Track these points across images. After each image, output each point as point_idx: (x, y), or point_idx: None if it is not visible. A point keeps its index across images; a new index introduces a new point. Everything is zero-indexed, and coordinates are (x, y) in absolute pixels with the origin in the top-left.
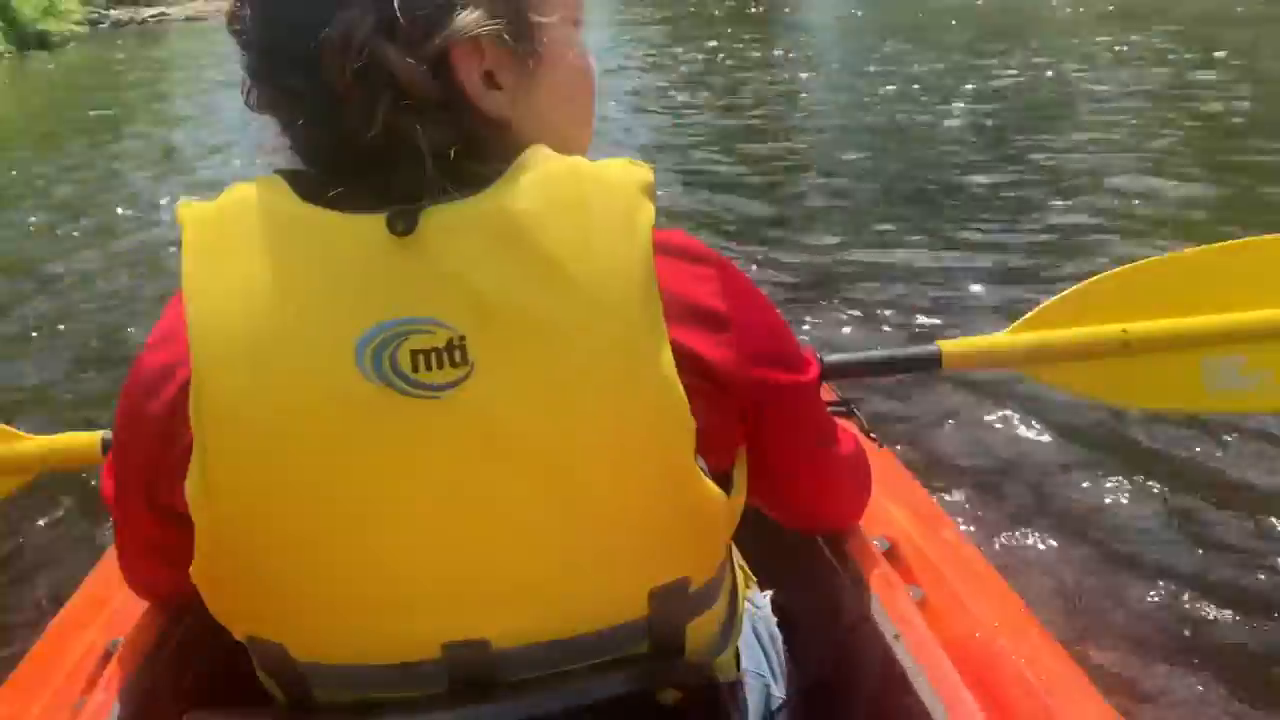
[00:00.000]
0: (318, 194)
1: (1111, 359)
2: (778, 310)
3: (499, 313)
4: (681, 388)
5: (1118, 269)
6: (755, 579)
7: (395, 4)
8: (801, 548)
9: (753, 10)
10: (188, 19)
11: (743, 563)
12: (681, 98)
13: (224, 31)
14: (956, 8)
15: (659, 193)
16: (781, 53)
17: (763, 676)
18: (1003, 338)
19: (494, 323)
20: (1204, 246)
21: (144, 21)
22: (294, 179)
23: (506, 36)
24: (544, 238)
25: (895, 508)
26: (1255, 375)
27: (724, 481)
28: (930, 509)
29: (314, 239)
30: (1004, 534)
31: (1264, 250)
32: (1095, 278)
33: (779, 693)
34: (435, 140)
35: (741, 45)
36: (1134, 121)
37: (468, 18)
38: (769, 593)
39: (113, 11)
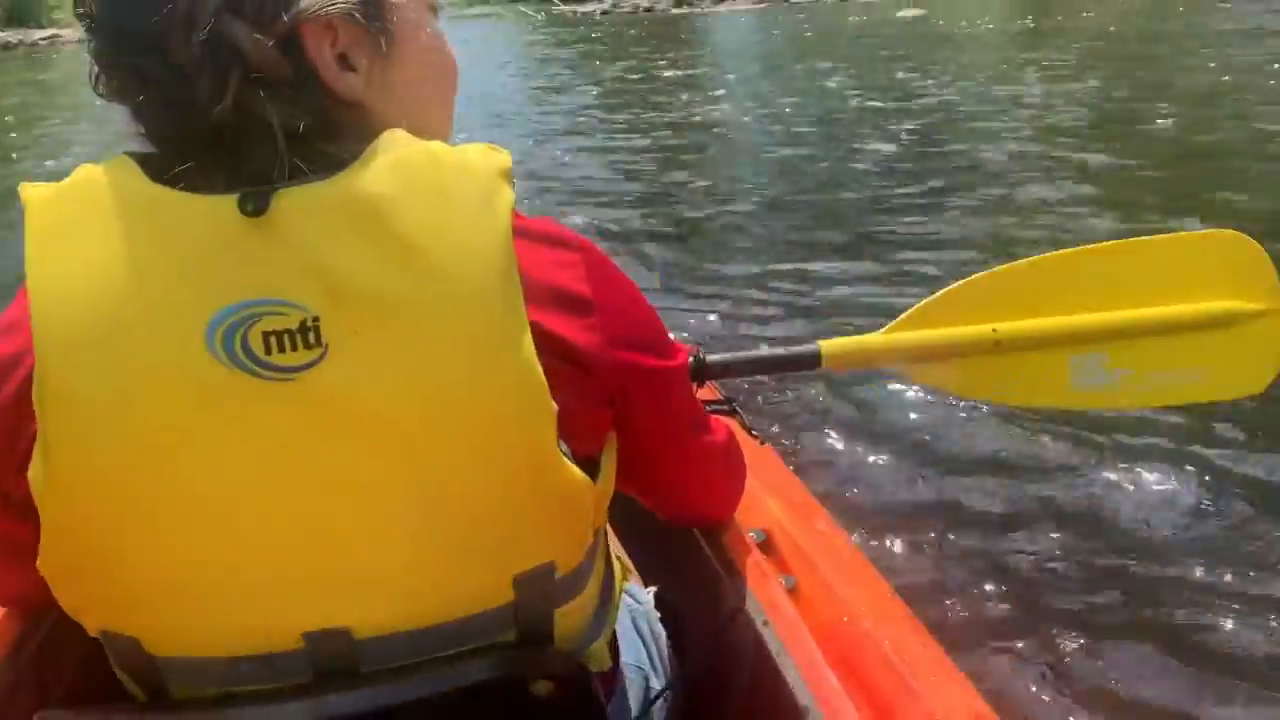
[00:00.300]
0: (168, 175)
1: (982, 357)
2: (645, 297)
3: (353, 294)
4: (541, 371)
5: (989, 270)
6: (637, 574)
7: None
8: (681, 542)
9: (664, 31)
10: (80, 41)
11: (622, 554)
12: (597, 115)
13: None
14: (871, 27)
15: (583, 206)
16: (694, 72)
17: (642, 670)
18: (879, 338)
19: (348, 304)
20: (1069, 250)
21: (35, 44)
22: (144, 160)
23: (358, 16)
24: (400, 220)
25: (771, 500)
26: (1116, 373)
27: (590, 466)
28: (805, 501)
29: (163, 220)
30: (876, 522)
31: (1124, 254)
32: (967, 279)
33: (658, 685)
34: (286, 118)
35: (653, 65)
36: (1040, 135)
37: None
38: (653, 589)
39: (1, 34)
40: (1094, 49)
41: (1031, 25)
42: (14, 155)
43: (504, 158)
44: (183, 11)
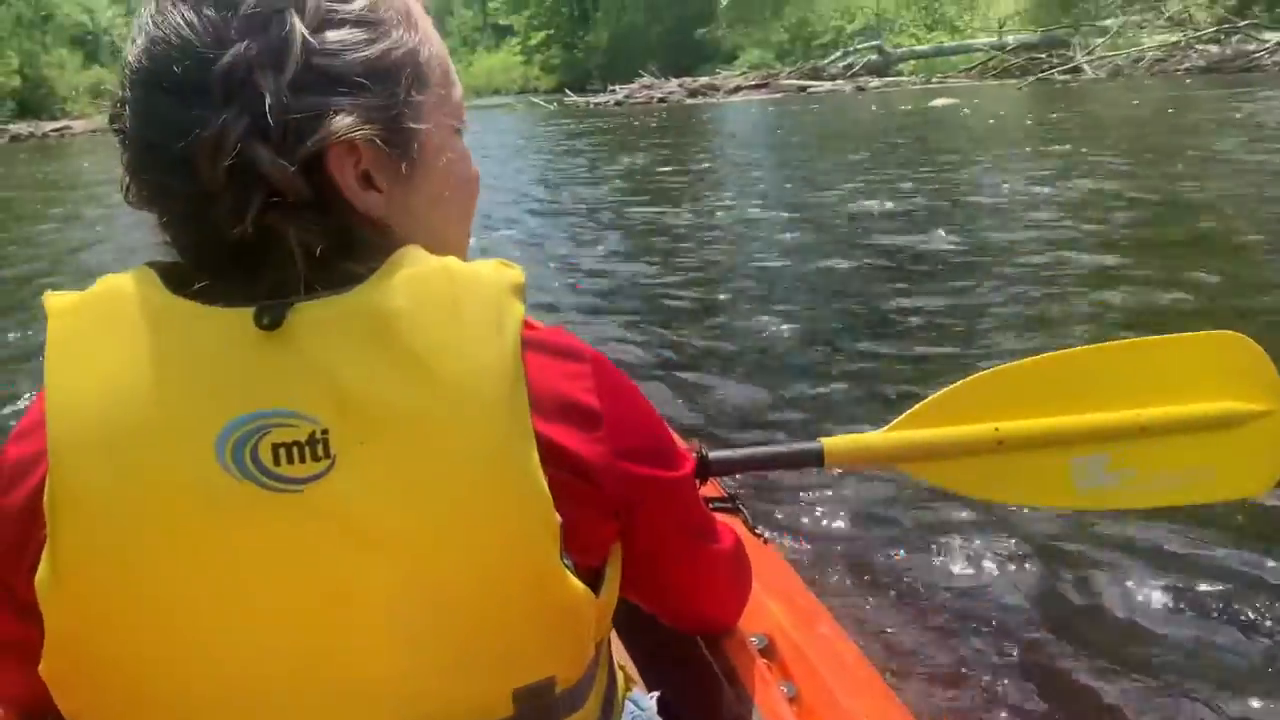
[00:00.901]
0: (188, 287)
1: (985, 457)
2: (653, 406)
3: (363, 407)
4: (546, 485)
5: (991, 369)
6: (640, 681)
7: (266, 108)
8: (681, 647)
9: (678, 121)
10: (93, 132)
11: (626, 663)
12: (607, 207)
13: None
14: (892, 117)
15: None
16: (706, 165)
17: None
18: (881, 436)
19: (357, 417)
20: (1072, 349)
21: (45, 135)
22: (166, 271)
23: (379, 142)
24: (411, 334)
25: (774, 604)
26: (1118, 473)
27: (594, 578)
28: (809, 604)
29: (179, 331)
30: (881, 626)
31: (1126, 353)
32: (970, 378)
33: None
34: (305, 240)
35: (666, 157)
36: (1063, 232)
37: (341, 122)
38: (655, 694)
39: (12, 126)
40: (1126, 141)
41: (1064, 117)
42: (14, 247)
43: (516, 274)
44: (211, 137)
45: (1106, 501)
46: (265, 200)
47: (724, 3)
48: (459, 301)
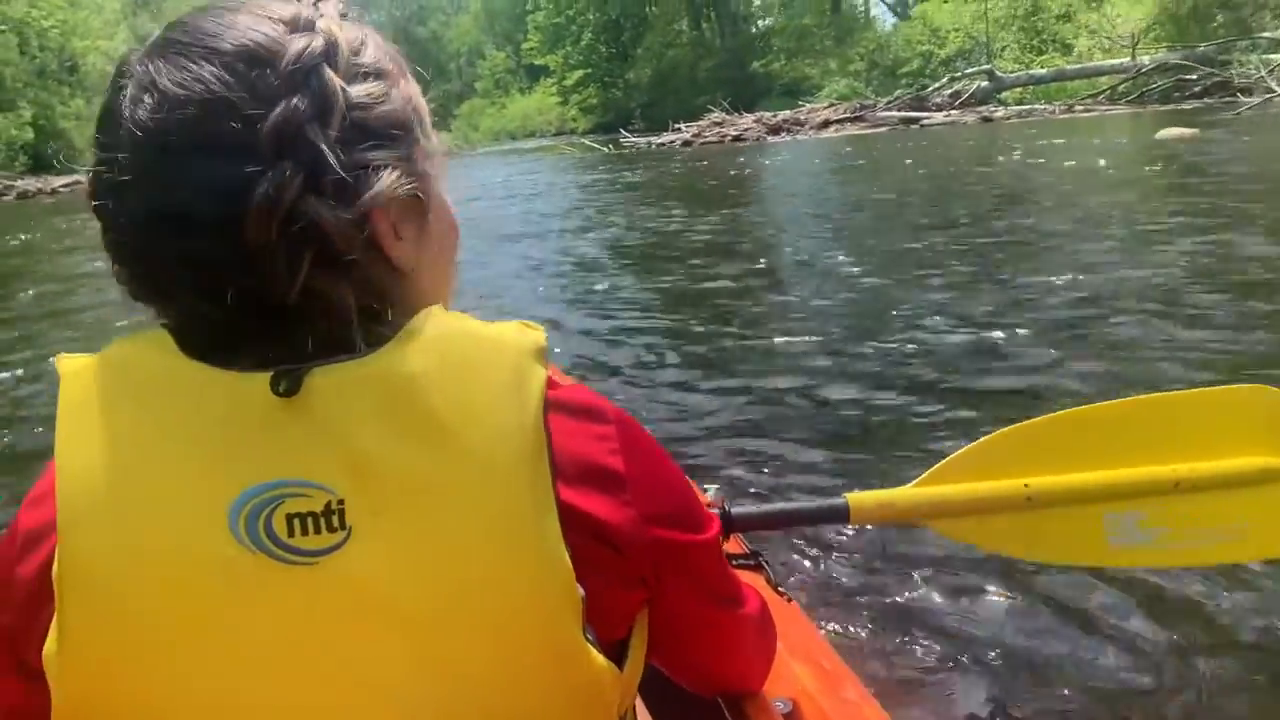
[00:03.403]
0: (205, 350)
1: (1014, 513)
2: (678, 466)
3: (379, 476)
4: (567, 556)
5: (1020, 424)
6: None
7: (330, 164)
8: (706, 714)
9: (753, 166)
10: None
11: None
12: (639, 268)
13: None
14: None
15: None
16: (750, 227)
17: None
18: (908, 491)
19: (374, 486)
20: (1102, 403)
21: (54, 191)
22: (182, 332)
23: (409, 188)
24: (431, 400)
25: (799, 666)
26: (1154, 530)
27: (618, 650)
28: (835, 666)
29: (193, 397)
30: (910, 690)
31: (1158, 408)
32: (998, 432)
33: None
34: (345, 297)
35: (700, 216)
36: (1094, 294)
37: (390, 176)
38: None
39: (19, 182)
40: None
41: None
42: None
43: (538, 335)
44: (265, 194)
45: (1140, 559)
46: (315, 258)
47: (770, 32)
48: (479, 365)
